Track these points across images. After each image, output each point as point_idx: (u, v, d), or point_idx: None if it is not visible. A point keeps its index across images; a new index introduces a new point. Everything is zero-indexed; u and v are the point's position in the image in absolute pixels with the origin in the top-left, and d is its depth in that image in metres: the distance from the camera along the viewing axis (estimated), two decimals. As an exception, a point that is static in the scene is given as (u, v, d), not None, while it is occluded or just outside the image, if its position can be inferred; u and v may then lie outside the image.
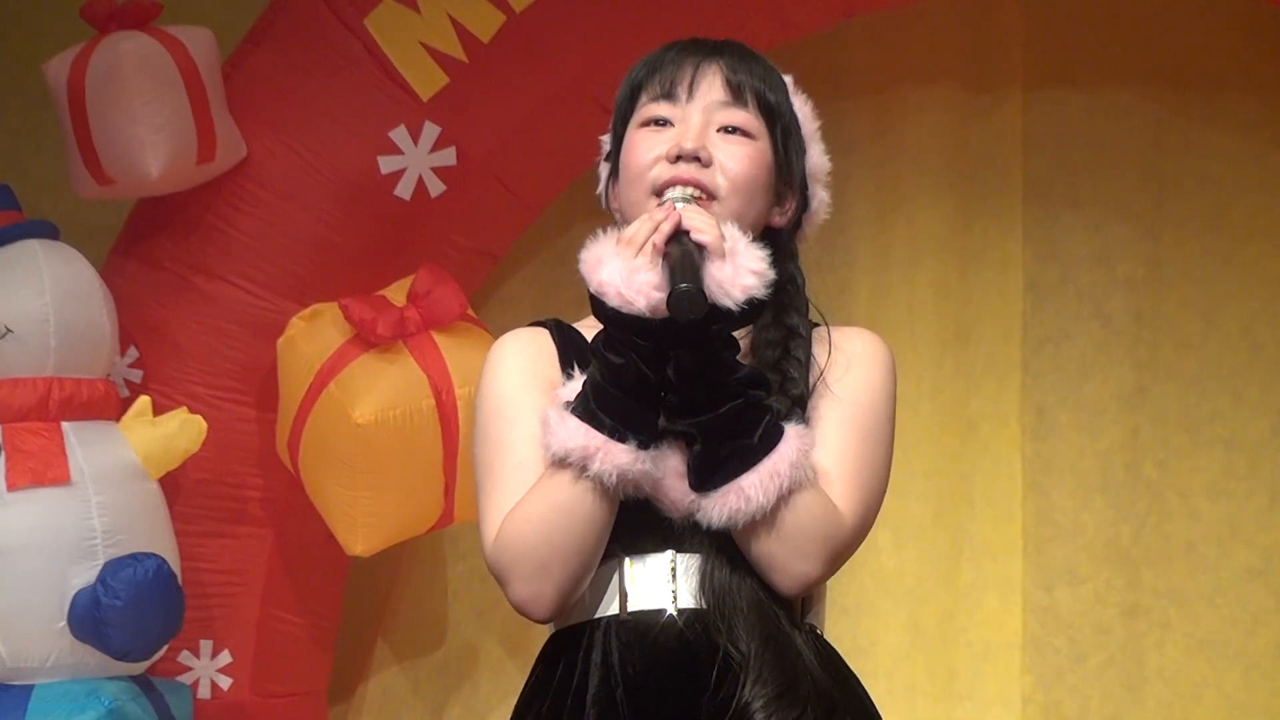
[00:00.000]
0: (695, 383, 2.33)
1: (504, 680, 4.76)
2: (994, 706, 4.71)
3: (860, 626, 4.57)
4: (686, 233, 2.33)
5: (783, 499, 2.33)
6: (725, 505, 2.33)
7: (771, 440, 2.34)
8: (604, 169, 2.60)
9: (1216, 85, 4.73)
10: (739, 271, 2.31)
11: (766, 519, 2.34)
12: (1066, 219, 4.77)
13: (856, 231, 4.76)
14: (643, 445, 2.33)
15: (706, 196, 2.45)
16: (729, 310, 2.30)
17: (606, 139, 2.61)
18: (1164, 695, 4.69)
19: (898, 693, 4.60)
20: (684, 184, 2.45)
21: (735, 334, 2.37)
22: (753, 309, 2.32)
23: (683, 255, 2.31)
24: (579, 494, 2.34)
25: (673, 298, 2.26)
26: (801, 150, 2.55)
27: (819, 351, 2.47)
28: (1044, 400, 4.75)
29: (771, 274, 2.34)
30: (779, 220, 2.53)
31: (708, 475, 2.34)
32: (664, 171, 2.46)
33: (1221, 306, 4.73)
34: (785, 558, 2.36)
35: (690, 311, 2.26)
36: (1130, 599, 4.71)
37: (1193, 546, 4.71)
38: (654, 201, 2.46)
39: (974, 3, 4.75)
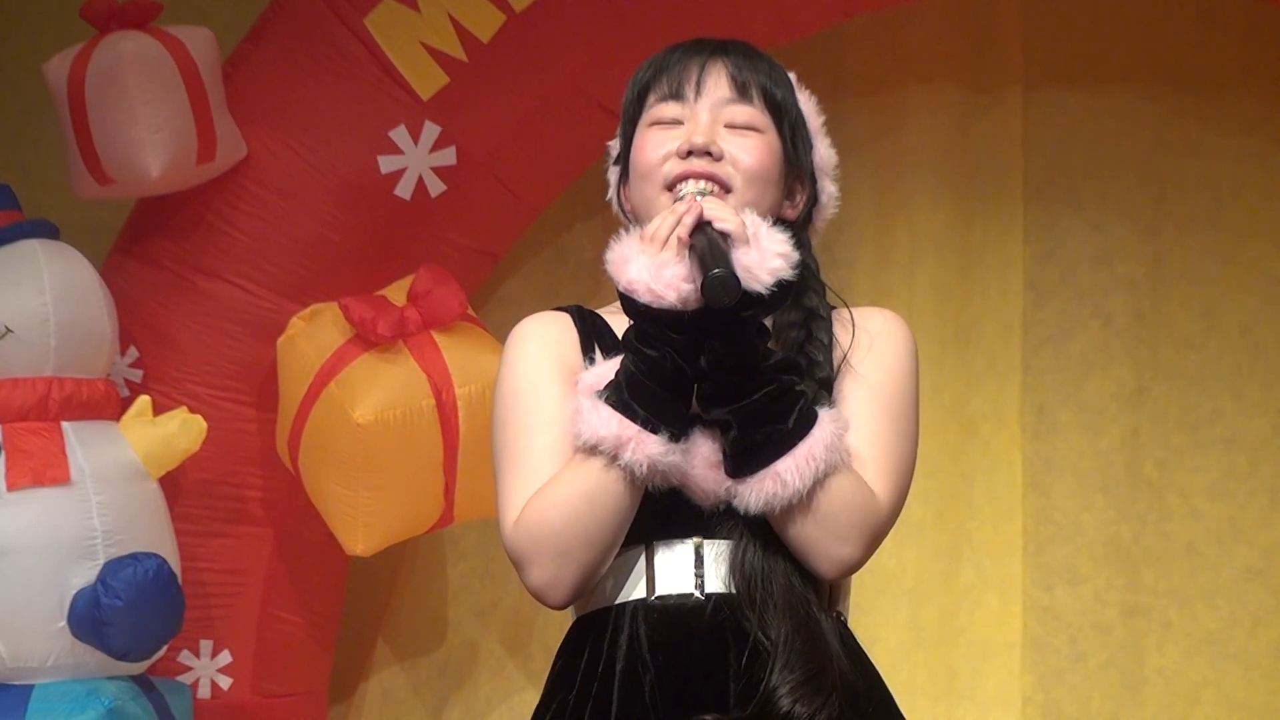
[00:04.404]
0: (729, 371, 2.34)
1: (504, 680, 4.76)
2: (994, 706, 4.71)
3: (860, 626, 4.52)
4: (708, 223, 2.35)
5: (819, 483, 2.35)
6: (762, 491, 2.35)
7: (806, 424, 2.35)
8: (613, 173, 2.62)
9: (1216, 85, 4.73)
10: (765, 255, 2.33)
11: (803, 503, 2.36)
12: (1066, 219, 4.77)
13: (856, 231, 4.75)
14: (674, 437, 2.34)
15: (720, 190, 2.48)
16: (759, 295, 2.31)
17: (613, 144, 2.62)
18: (1164, 695, 4.69)
19: (898, 692, 4.56)
20: (697, 178, 2.47)
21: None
22: (782, 291, 2.34)
23: (709, 244, 2.32)
24: (607, 482, 2.35)
25: (707, 284, 2.27)
26: (809, 145, 2.58)
27: (840, 332, 2.50)
28: (1044, 400, 4.75)
29: (796, 255, 2.35)
30: (790, 213, 2.55)
31: (744, 461, 2.35)
32: (675, 167, 2.49)
33: (1221, 306, 4.73)
34: (823, 541, 2.38)
35: (725, 296, 2.27)
36: (1130, 599, 4.70)
37: (1193, 546, 4.71)
38: (667, 196, 2.48)
39: (974, 3, 4.75)
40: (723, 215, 2.35)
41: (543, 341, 2.50)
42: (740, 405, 2.34)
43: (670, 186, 2.48)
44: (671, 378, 2.34)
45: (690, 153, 2.48)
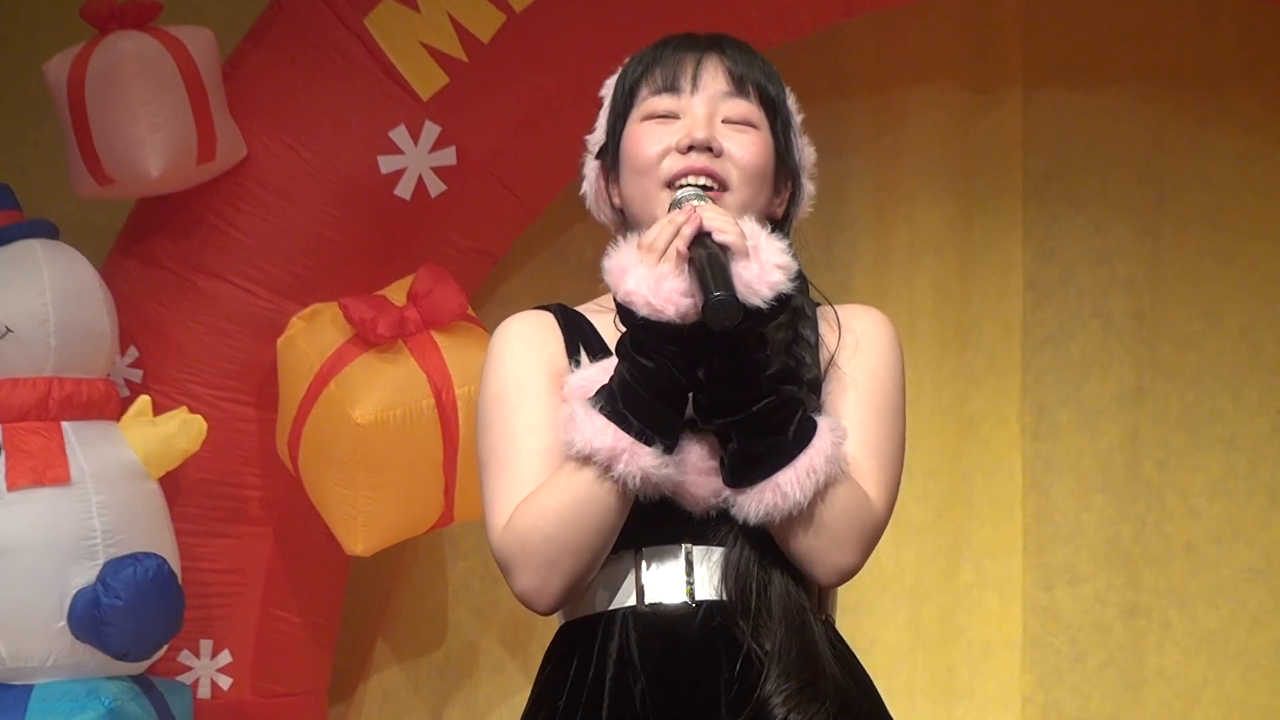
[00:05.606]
0: (729, 382, 2.32)
1: (504, 680, 4.76)
2: (994, 706, 4.71)
3: (860, 626, 4.57)
4: (708, 234, 2.32)
5: (819, 493, 2.34)
6: (762, 502, 2.34)
7: (806, 435, 2.34)
8: (592, 167, 2.59)
9: (1216, 85, 4.73)
10: (765, 269, 2.31)
11: (804, 514, 2.34)
12: (1066, 219, 4.77)
13: (856, 231, 4.76)
14: (668, 449, 2.33)
15: (718, 187, 2.46)
16: (759, 309, 2.30)
17: (591, 139, 2.60)
18: (1164, 695, 4.69)
19: (898, 692, 4.58)
20: (697, 174, 2.45)
21: None
22: (780, 303, 2.32)
23: (709, 260, 2.29)
24: (599, 492, 2.34)
25: (708, 308, 2.26)
26: (794, 142, 2.56)
27: (826, 331, 2.48)
28: (1044, 400, 4.75)
29: (795, 266, 2.34)
30: (777, 210, 2.54)
31: (744, 473, 2.34)
32: (676, 163, 2.46)
33: (1221, 306, 4.73)
34: (824, 550, 2.37)
35: (727, 320, 2.26)
36: (1130, 599, 4.71)
37: (1193, 546, 4.71)
38: (666, 193, 2.46)
39: (974, 3, 4.75)
40: (722, 226, 2.32)
41: (527, 341, 2.48)
42: (740, 417, 2.33)
43: (670, 183, 2.46)
44: (667, 389, 2.32)
45: (691, 148, 2.46)
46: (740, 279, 2.29)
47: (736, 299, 2.27)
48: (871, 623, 4.65)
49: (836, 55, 4.75)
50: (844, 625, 2.51)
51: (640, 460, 2.32)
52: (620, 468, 2.32)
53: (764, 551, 2.38)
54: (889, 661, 4.63)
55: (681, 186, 2.45)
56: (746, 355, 2.33)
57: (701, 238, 2.32)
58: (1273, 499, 4.71)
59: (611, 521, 2.36)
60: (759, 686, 2.34)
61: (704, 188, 2.45)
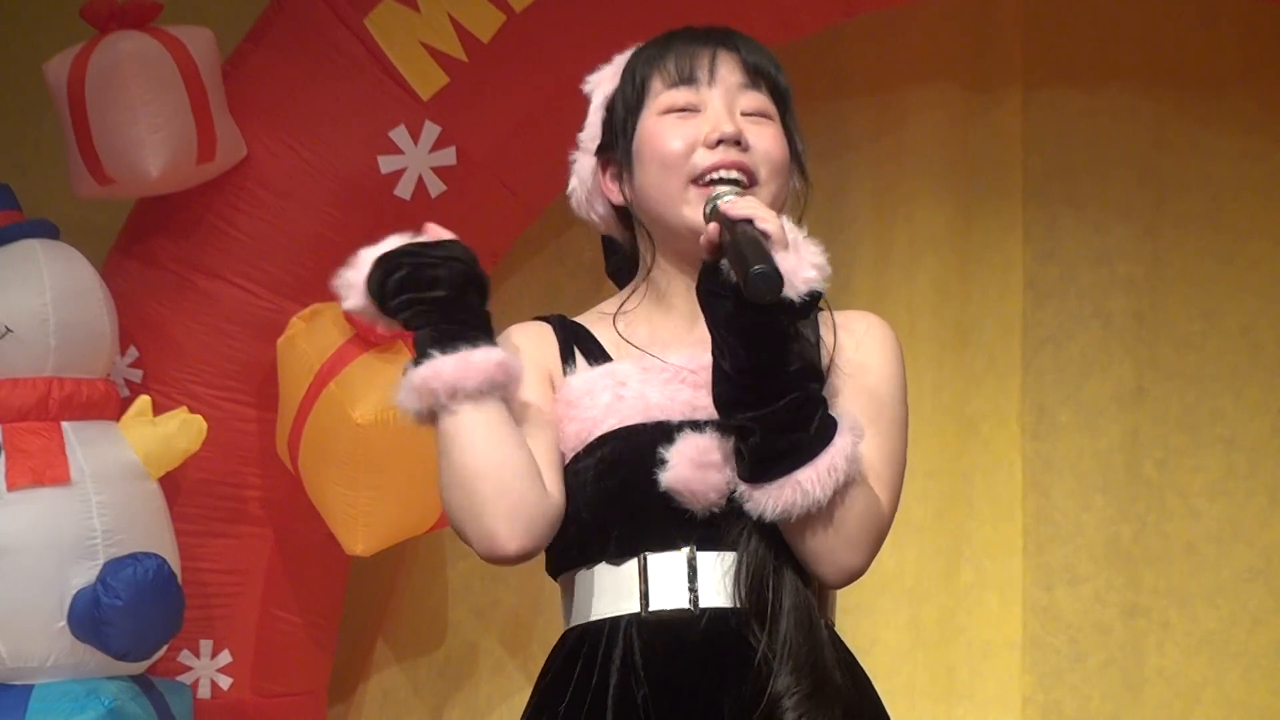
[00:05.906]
0: (754, 376, 2.31)
1: (504, 680, 4.76)
2: (994, 706, 4.71)
3: (860, 626, 4.57)
4: (749, 221, 2.31)
5: (837, 492, 2.32)
6: (781, 498, 2.32)
7: (827, 433, 2.32)
8: (586, 164, 2.56)
9: (1216, 85, 4.73)
10: (802, 263, 2.30)
11: (821, 512, 2.33)
12: (1066, 219, 4.77)
13: (856, 231, 4.76)
14: (423, 355, 2.36)
15: (748, 181, 2.44)
16: (790, 301, 2.28)
17: (584, 136, 2.57)
18: (1164, 695, 4.69)
19: (898, 693, 4.58)
20: (728, 168, 2.43)
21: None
22: (811, 301, 2.31)
23: (749, 239, 2.28)
24: (441, 434, 2.38)
25: (751, 280, 2.23)
26: None
27: (824, 334, 2.46)
28: (1044, 400, 4.75)
29: (829, 269, 2.33)
30: (785, 204, 2.52)
31: (764, 468, 2.32)
32: (705, 158, 2.44)
33: (1221, 306, 4.73)
34: (836, 550, 2.36)
35: (768, 293, 2.24)
36: (1130, 599, 4.70)
37: (1193, 546, 4.71)
38: (694, 190, 2.43)
39: (974, 3, 4.75)
40: (765, 215, 2.32)
41: (525, 350, 2.47)
42: (764, 412, 2.31)
43: (698, 178, 2.44)
44: (428, 314, 2.38)
45: (720, 142, 2.43)
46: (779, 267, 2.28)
47: (779, 272, 2.25)
48: (871, 623, 4.65)
49: (836, 55, 4.75)
50: (844, 625, 2.50)
51: (410, 381, 2.37)
52: (406, 401, 2.38)
53: (774, 553, 2.37)
54: (889, 662, 4.63)
55: (713, 182, 2.43)
56: (774, 348, 2.31)
57: (740, 223, 2.31)
58: (1273, 499, 4.71)
59: (474, 446, 2.36)
60: (769, 686, 2.33)
61: (734, 182, 2.43)
